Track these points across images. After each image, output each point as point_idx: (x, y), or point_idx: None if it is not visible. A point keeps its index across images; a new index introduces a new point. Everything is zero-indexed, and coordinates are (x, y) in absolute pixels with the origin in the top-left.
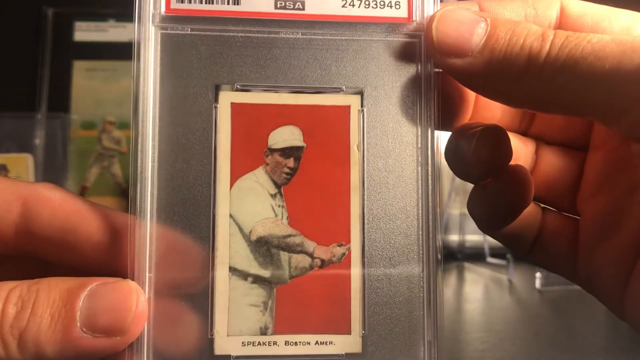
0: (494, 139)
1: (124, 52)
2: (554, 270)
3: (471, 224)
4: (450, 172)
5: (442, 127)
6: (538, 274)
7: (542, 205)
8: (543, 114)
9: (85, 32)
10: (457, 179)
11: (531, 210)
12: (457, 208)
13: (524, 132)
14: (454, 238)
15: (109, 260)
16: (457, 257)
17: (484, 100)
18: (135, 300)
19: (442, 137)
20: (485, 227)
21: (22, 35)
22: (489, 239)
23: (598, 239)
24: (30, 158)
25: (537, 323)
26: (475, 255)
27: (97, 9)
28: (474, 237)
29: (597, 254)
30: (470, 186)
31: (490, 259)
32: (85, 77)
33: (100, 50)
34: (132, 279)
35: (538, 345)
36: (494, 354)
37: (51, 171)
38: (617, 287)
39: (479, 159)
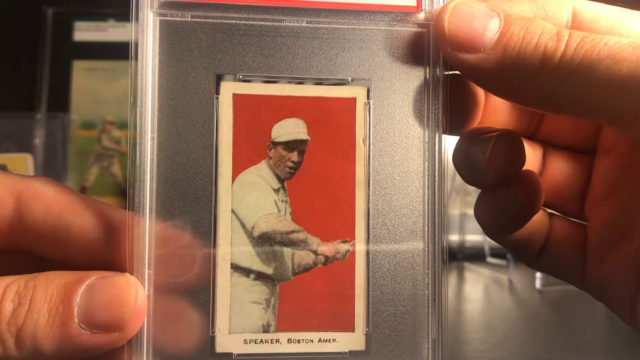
0: (510, 145)
1: (124, 52)
2: (561, 278)
3: (471, 224)
4: (451, 171)
5: (450, 130)
6: (538, 274)
7: (548, 210)
8: (551, 118)
9: (84, 32)
10: (458, 179)
11: (538, 216)
12: (457, 208)
13: (531, 136)
14: (454, 238)
15: (105, 257)
16: (457, 257)
17: (492, 103)
18: (133, 294)
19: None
20: (492, 233)
21: (22, 35)
22: (490, 239)
23: (608, 246)
24: (30, 158)
25: (537, 323)
26: (475, 255)
27: (97, 9)
28: (474, 237)
29: (607, 261)
30: (471, 186)
31: (490, 259)
32: (85, 77)
33: (100, 50)
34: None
35: (538, 345)
36: (494, 354)
37: (51, 171)
38: (628, 295)
39: (494, 166)
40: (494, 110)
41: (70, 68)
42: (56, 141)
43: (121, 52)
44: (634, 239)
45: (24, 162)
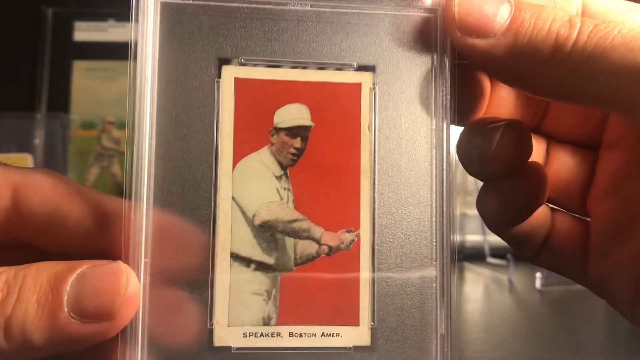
0: (518, 135)
1: (124, 51)
2: (562, 273)
3: (471, 224)
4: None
5: (454, 121)
6: (538, 274)
7: (550, 205)
8: (555, 111)
9: (85, 32)
10: (458, 178)
11: (541, 210)
12: (457, 208)
13: (534, 129)
14: None
15: (104, 247)
16: (457, 257)
17: (497, 94)
18: (124, 282)
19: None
20: (495, 226)
21: (22, 35)
22: (489, 239)
23: (610, 242)
24: (30, 158)
25: (537, 323)
26: (475, 255)
27: (97, 9)
28: (474, 237)
29: (610, 257)
30: (470, 185)
31: (490, 259)
32: (85, 77)
33: (100, 50)
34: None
35: (538, 345)
36: (495, 354)
37: None
38: (630, 292)
39: (501, 156)
40: (499, 102)
41: (70, 68)
42: (56, 141)
43: (121, 52)
44: (638, 235)
45: (24, 162)
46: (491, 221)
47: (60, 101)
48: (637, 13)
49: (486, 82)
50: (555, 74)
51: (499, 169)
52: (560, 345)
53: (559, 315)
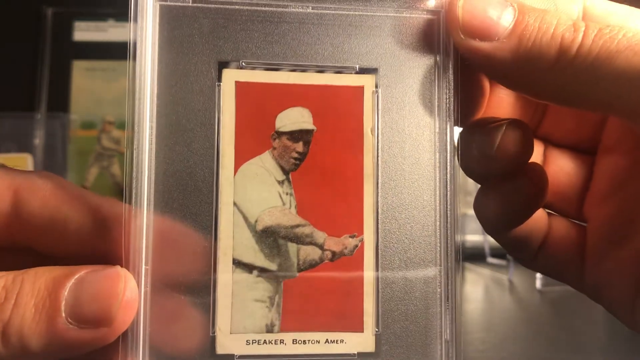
0: (520, 134)
1: (124, 52)
2: (559, 278)
3: (471, 224)
4: None
5: (457, 123)
6: (538, 274)
7: (547, 210)
8: (553, 115)
9: (84, 32)
10: (458, 179)
11: (538, 214)
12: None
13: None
14: None
15: (103, 251)
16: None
17: (496, 96)
18: (122, 286)
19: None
20: (493, 228)
21: (22, 35)
22: (489, 239)
23: (608, 246)
24: (30, 158)
25: (537, 323)
26: (475, 255)
27: (97, 9)
28: (474, 237)
29: (607, 262)
30: (470, 186)
31: (490, 259)
32: (84, 77)
33: (99, 50)
34: None
35: (538, 345)
36: (495, 354)
37: (51, 171)
38: (628, 296)
39: (504, 155)
40: (498, 104)
41: (70, 68)
42: (56, 141)
43: (121, 52)
44: (636, 239)
45: (24, 162)
46: (490, 223)
47: (60, 101)
48: (636, 16)
49: (486, 84)
50: (560, 78)
51: (500, 168)
52: (560, 345)
53: (559, 315)
